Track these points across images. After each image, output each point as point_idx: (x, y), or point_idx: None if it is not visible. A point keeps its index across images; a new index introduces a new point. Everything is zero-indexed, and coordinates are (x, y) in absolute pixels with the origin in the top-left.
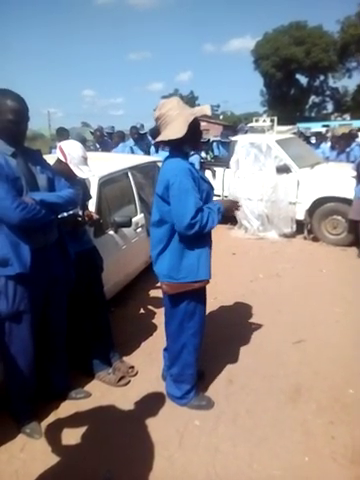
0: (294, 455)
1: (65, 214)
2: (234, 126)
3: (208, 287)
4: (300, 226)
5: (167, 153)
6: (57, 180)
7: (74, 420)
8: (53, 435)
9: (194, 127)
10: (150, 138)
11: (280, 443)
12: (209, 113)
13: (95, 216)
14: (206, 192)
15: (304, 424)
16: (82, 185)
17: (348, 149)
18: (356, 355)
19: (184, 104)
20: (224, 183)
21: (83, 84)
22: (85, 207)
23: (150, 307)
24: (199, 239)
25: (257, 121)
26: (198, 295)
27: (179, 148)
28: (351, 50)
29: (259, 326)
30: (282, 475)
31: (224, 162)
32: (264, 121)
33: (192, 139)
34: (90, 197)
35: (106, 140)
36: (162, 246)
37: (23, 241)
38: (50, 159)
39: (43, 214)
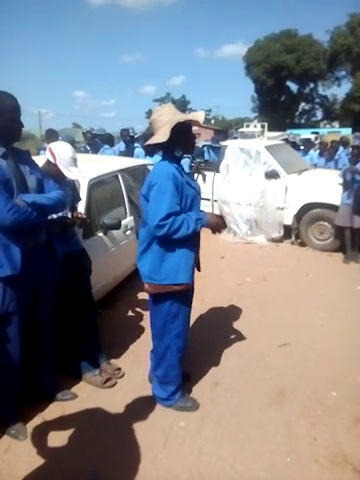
0: (277, 456)
1: (54, 216)
2: (225, 131)
3: (196, 289)
4: (288, 231)
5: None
6: (46, 181)
7: (60, 421)
8: (38, 436)
9: (183, 131)
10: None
11: (263, 444)
12: (201, 120)
13: (83, 216)
14: (192, 197)
15: (287, 426)
16: (71, 186)
17: (336, 156)
18: (339, 358)
19: (177, 110)
20: (214, 187)
21: (75, 85)
22: (74, 209)
23: (138, 309)
24: (181, 242)
25: (248, 126)
26: (182, 297)
27: (170, 152)
28: (340, 59)
29: (245, 329)
30: (264, 476)
31: (214, 166)
32: (255, 126)
33: (182, 143)
34: (79, 199)
35: (97, 142)
36: (145, 245)
37: (13, 243)
38: (39, 161)
39: (34, 216)
